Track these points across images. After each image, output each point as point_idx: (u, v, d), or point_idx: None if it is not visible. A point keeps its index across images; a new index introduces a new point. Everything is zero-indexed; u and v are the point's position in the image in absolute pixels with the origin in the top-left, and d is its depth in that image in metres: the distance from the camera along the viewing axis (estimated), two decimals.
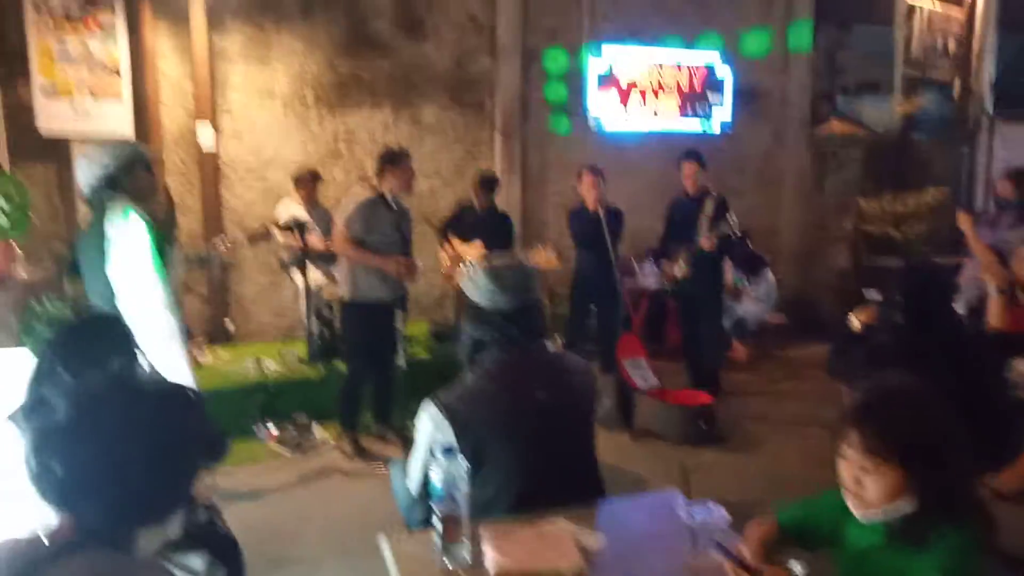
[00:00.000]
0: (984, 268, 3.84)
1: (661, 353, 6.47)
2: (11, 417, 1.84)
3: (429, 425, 1.99)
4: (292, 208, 5.70)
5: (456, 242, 5.51)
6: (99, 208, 2.67)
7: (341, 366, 4.98)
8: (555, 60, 7.06)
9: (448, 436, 1.93)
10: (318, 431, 4.81)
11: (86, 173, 2.67)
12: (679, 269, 5.35)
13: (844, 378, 3.10)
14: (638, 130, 7.34)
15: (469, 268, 2.21)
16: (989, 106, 8.23)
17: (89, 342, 1.95)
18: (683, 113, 7.45)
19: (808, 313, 7.69)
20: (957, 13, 8.60)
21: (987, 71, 8.23)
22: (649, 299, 6.57)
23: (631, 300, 6.41)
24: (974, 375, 2.71)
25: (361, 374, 4.59)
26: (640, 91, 7.27)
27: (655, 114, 7.36)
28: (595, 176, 5.25)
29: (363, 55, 6.43)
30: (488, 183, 5.62)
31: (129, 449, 1.17)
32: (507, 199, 6.99)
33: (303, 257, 5.18)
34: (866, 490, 1.51)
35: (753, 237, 6.69)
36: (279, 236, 5.42)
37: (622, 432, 4.94)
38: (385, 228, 4.39)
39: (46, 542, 1.18)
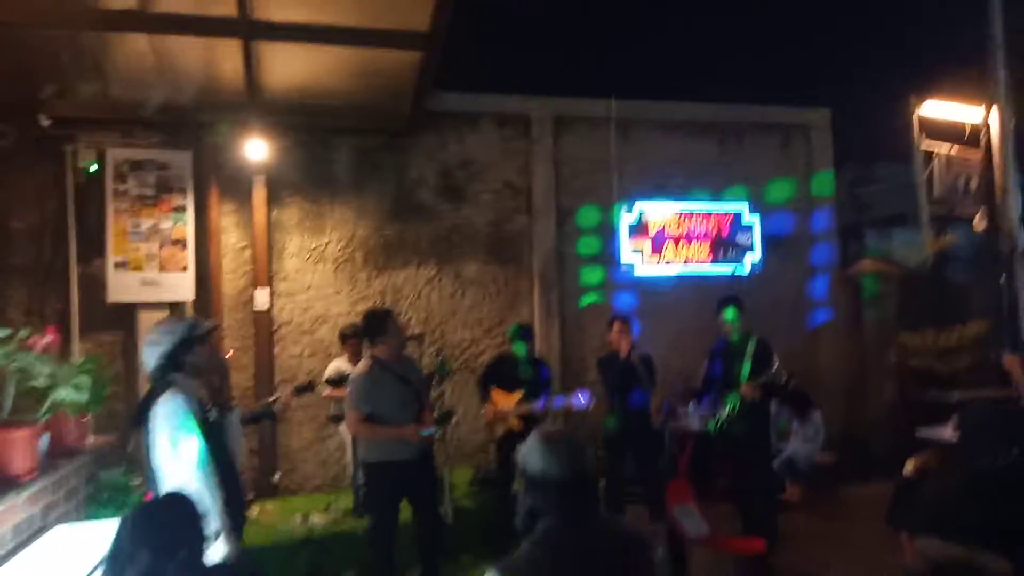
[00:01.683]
0: None
1: (711, 496, 6.31)
2: None
3: None
4: (338, 363, 5.94)
5: (497, 392, 5.57)
6: (162, 387, 2.86)
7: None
8: (587, 217, 7.48)
9: None
10: None
11: (149, 355, 2.89)
12: (724, 410, 5.35)
13: (905, 528, 3.03)
14: (670, 275, 7.59)
15: (527, 441, 2.27)
16: (1020, 240, 8.33)
17: (162, 524, 2.06)
18: (713, 258, 7.71)
19: (858, 451, 7.48)
20: (975, 154, 8.92)
21: (1012, 206, 8.40)
22: (695, 442, 6.49)
23: (676, 444, 6.36)
24: None
25: (384, 533, 4.51)
26: (671, 239, 7.59)
27: (686, 260, 7.62)
28: (624, 324, 5.42)
29: (409, 220, 6.93)
30: (524, 333, 5.74)
31: None
32: (547, 345, 7.19)
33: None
34: None
35: (795, 377, 6.70)
36: (324, 390, 5.60)
37: None
38: (388, 391, 4.34)
39: None
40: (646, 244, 7.54)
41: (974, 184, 8.78)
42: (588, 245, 7.49)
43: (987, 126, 8.62)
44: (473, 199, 7.17)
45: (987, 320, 7.88)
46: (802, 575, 4.90)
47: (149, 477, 2.84)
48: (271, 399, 4.51)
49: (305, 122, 6.49)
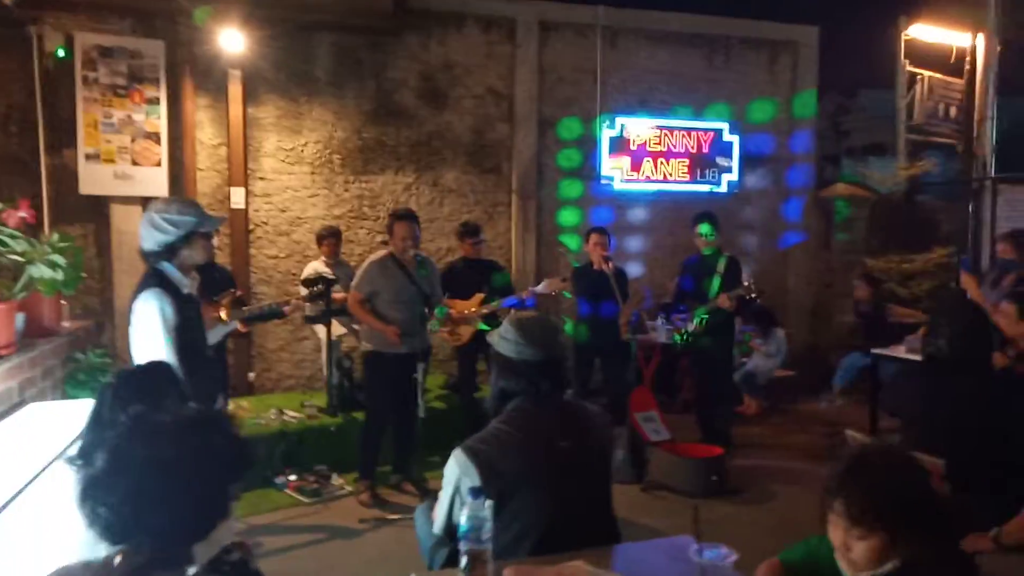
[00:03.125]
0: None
1: (672, 407, 6.61)
2: (69, 460, 2.00)
3: (457, 469, 2.12)
4: (315, 264, 5.97)
5: (453, 301, 5.48)
6: (150, 278, 2.86)
7: (360, 416, 5.15)
8: (569, 128, 7.41)
9: (475, 479, 2.05)
10: (337, 480, 4.94)
11: (148, 237, 2.87)
12: (691, 325, 5.52)
13: (890, 411, 3.21)
14: (650, 191, 7.63)
15: (502, 326, 2.36)
16: (991, 168, 8.47)
17: (141, 387, 2.11)
18: (692, 175, 7.74)
19: (818, 368, 7.79)
20: (957, 80, 8.93)
21: (988, 135, 8.49)
22: (660, 354, 6.72)
23: (643, 354, 6.58)
24: (1000, 417, 2.81)
25: (379, 422, 4.76)
26: (651, 154, 7.59)
27: (665, 176, 7.65)
28: (601, 235, 5.52)
29: (388, 123, 6.81)
30: (472, 231, 5.73)
31: (162, 481, 1.32)
32: (523, 258, 7.27)
33: (326, 311, 5.42)
34: (853, 553, 1.60)
35: (764, 295, 6.90)
36: (303, 291, 5.66)
37: (634, 485, 5.03)
38: (394, 285, 4.61)
39: (115, 564, 1.32)
40: (626, 160, 7.53)
41: (954, 111, 8.83)
42: (568, 157, 7.46)
43: (973, 52, 8.61)
44: (455, 104, 7.05)
45: (952, 247, 8.11)
46: (753, 477, 5.21)
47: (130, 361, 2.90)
48: (283, 300, 4.73)
49: (285, 15, 6.23)
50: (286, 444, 5.02)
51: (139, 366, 2.55)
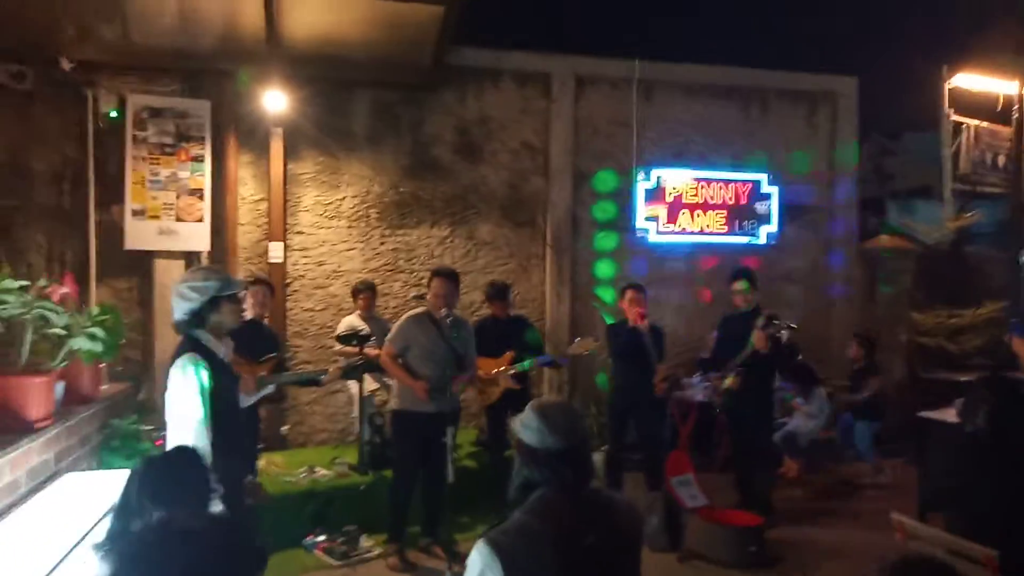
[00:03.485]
0: None
1: (710, 467, 6.43)
2: (95, 547, 2.02)
3: (480, 562, 2.05)
4: (351, 319, 6.02)
5: (482, 360, 5.40)
6: (185, 344, 2.92)
7: (390, 474, 5.11)
8: (604, 181, 7.42)
9: (497, 574, 1.99)
10: (366, 542, 4.89)
11: (177, 307, 2.94)
12: (728, 380, 5.39)
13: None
14: (686, 242, 7.56)
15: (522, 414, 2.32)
16: None
17: (166, 476, 2.13)
18: (730, 226, 7.64)
19: None
20: (1005, 128, 8.71)
21: None
22: (697, 411, 6.56)
23: (679, 413, 6.43)
24: None
25: (406, 482, 4.72)
26: (687, 206, 7.53)
27: (702, 228, 7.57)
28: (636, 292, 5.45)
29: (424, 177, 6.91)
30: (500, 292, 5.74)
31: None
32: (557, 311, 7.23)
33: (359, 365, 5.44)
34: None
35: (801, 348, 6.74)
36: (337, 346, 5.72)
37: (670, 553, 4.87)
38: (427, 341, 4.62)
39: None
40: (662, 211, 7.49)
41: (1001, 160, 8.59)
42: (603, 210, 7.44)
43: (1020, 99, 8.41)
44: (490, 158, 7.13)
45: (1003, 301, 7.82)
46: (794, 547, 5.00)
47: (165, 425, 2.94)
48: (321, 370, 4.83)
49: (325, 73, 6.44)
50: (315, 503, 4.99)
51: (165, 453, 2.57)
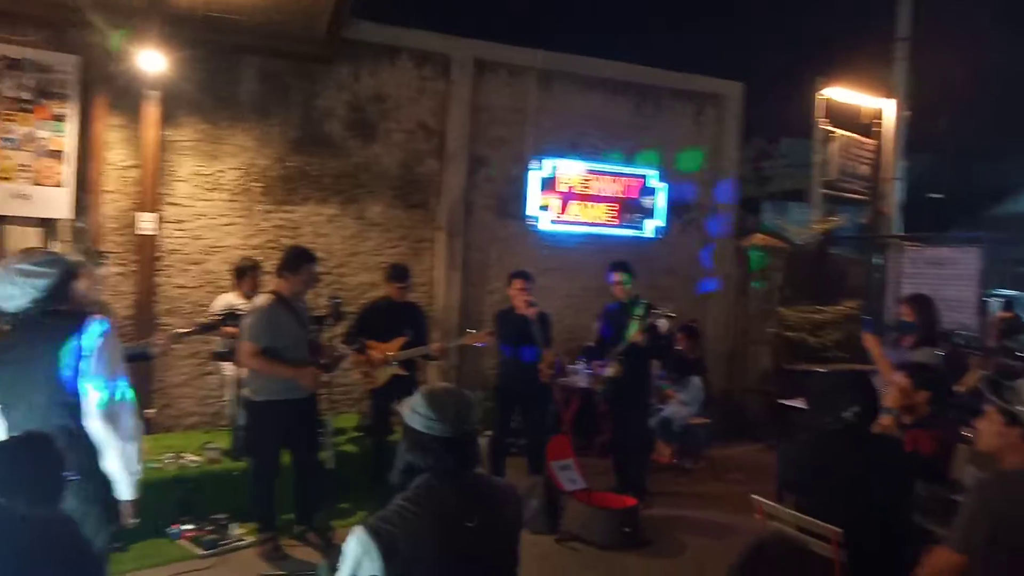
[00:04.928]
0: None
1: (591, 452, 6.62)
2: None
3: (358, 549, 2.01)
4: (229, 298, 5.73)
5: (373, 344, 5.37)
6: (32, 324, 2.66)
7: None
8: (499, 167, 7.43)
9: (376, 561, 1.96)
10: (237, 530, 4.69)
11: (20, 292, 2.65)
12: (610, 369, 5.56)
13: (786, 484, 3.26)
14: (576, 232, 7.71)
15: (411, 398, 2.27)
16: (897, 227, 8.94)
17: (16, 464, 1.98)
18: (620, 219, 7.86)
19: (733, 414, 7.98)
20: (868, 140, 9.42)
21: (894, 195, 8.97)
22: (580, 398, 6.73)
23: (562, 399, 6.57)
24: (886, 480, 2.91)
25: (269, 473, 4.52)
26: (579, 197, 7.67)
27: (593, 220, 7.74)
28: (524, 281, 5.51)
29: (313, 153, 6.66)
30: (401, 274, 5.56)
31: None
32: (448, 296, 7.19)
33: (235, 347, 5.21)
34: None
35: (696, 328, 7.08)
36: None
37: (548, 535, 4.97)
38: (288, 330, 4.38)
39: None
40: (555, 201, 7.59)
41: (865, 169, 9.29)
42: (497, 196, 7.46)
43: (882, 116, 9.12)
44: (384, 137, 6.97)
45: (859, 299, 8.48)
46: (666, 527, 5.23)
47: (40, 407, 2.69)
48: (147, 342, 4.17)
49: (210, 36, 6.04)
50: (182, 491, 4.73)
51: (15, 439, 2.36)
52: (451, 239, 7.19)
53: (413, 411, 2.18)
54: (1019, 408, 2.38)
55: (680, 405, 6.72)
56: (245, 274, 5.78)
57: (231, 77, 6.36)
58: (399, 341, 5.42)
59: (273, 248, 6.53)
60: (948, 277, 7.31)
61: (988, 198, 21.63)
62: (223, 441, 5.35)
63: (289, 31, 6.28)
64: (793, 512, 3.01)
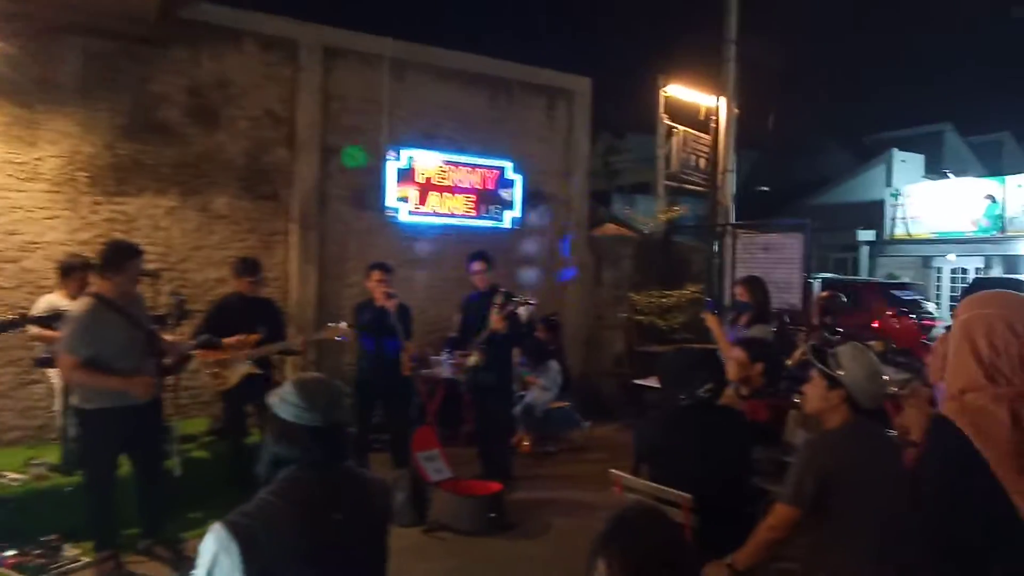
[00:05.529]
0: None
1: (456, 441, 6.64)
2: None
3: (214, 546, 1.88)
4: (52, 299, 5.20)
5: (224, 341, 5.01)
6: None
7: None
8: (354, 157, 7.25)
9: (235, 557, 1.86)
10: (71, 551, 4.27)
11: None
12: (472, 358, 5.59)
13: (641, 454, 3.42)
14: (436, 223, 7.68)
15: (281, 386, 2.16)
16: (732, 216, 9.66)
17: None
18: (478, 210, 7.92)
19: (591, 396, 8.30)
20: (706, 136, 10.09)
21: (730, 186, 9.68)
22: (444, 388, 6.74)
23: (427, 390, 6.55)
24: (730, 447, 3.14)
25: (106, 482, 4.12)
26: (437, 188, 7.65)
27: (451, 211, 7.75)
28: (383, 272, 5.44)
29: (148, 140, 6.19)
30: (251, 267, 5.28)
31: None
32: (304, 291, 6.93)
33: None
34: None
35: (557, 320, 7.27)
36: (34, 329, 4.90)
37: (415, 526, 4.94)
38: (115, 334, 3.95)
39: None
40: (413, 192, 7.52)
41: (702, 163, 9.95)
42: (353, 187, 7.28)
43: (717, 113, 9.80)
44: (228, 125, 6.58)
45: (701, 283, 9.09)
46: (531, 510, 5.35)
47: None
48: None
49: (24, 10, 5.42)
50: (2, 513, 4.24)
51: None
52: (305, 231, 6.94)
53: (282, 400, 2.10)
54: (839, 372, 2.64)
55: (542, 390, 6.90)
56: (71, 272, 5.25)
57: (49, 56, 5.78)
58: (253, 338, 5.15)
59: (105, 243, 5.99)
60: (776, 261, 7.99)
61: (806, 191, 23.92)
62: (52, 455, 4.85)
63: (116, 9, 5.75)
64: (649, 483, 3.18)
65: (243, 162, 6.67)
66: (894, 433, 3.19)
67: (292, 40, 6.89)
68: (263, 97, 6.77)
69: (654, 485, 3.13)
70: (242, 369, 5.11)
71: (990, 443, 1.67)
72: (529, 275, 8.28)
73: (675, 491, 3.01)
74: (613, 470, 3.36)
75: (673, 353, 3.59)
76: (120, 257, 4.02)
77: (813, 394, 2.72)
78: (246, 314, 5.19)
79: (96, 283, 4.07)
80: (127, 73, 6.10)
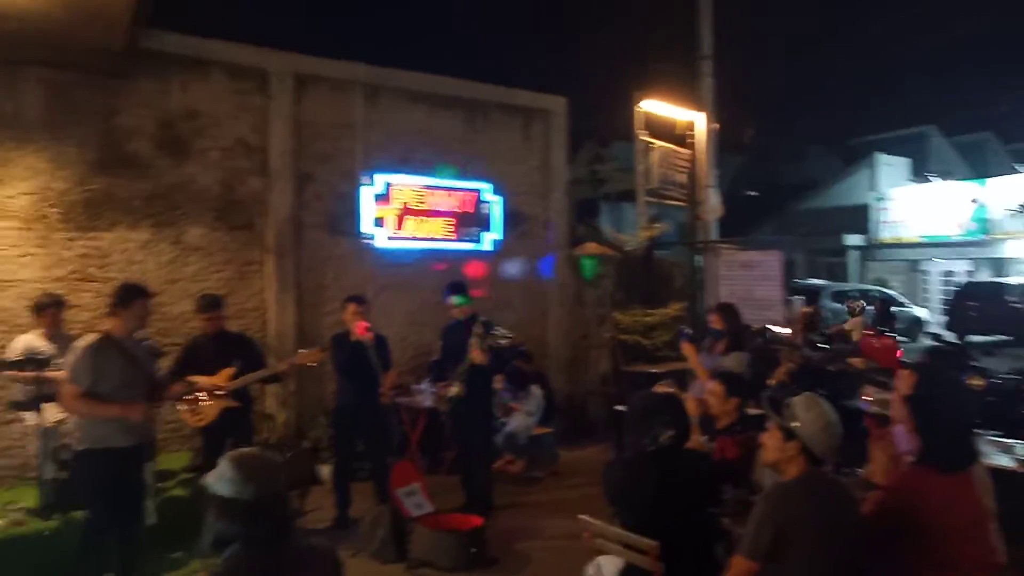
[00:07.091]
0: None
1: (440, 469, 6.59)
2: None
3: None
4: (29, 339, 5.14)
5: (199, 378, 4.99)
6: None
7: (80, 516, 4.43)
8: (329, 185, 7.20)
9: None
10: None
11: None
12: (453, 389, 5.55)
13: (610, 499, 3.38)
14: (414, 248, 7.64)
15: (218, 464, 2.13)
16: (715, 232, 9.66)
17: None
18: (457, 233, 7.88)
19: (577, 418, 8.26)
20: (685, 151, 10.08)
21: (711, 201, 9.68)
22: (427, 417, 6.69)
23: (409, 420, 6.50)
24: (696, 499, 3.10)
25: (103, 531, 4.12)
26: (414, 212, 7.61)
27: (429, 235, 7.71)
28: (358, 305, 5.39)
29: (119, 174, 6.13)
30: (211, 304, 5.22)
31: None
32: (282, 320, 6.87)
33: (40, 394, 4.69)
34: None
35: (527, 352, 7.22)
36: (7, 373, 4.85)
37: (397, 563, 4.88)
38: (116, 369, 4.03)
39: None
40: (390, 217, 7.48)
41: (682, 178, 9.94)
42: (329, 214, 7.23)
43: (694, 128, 9.81)
44: (199, 155, 6.53)
45: (684, 302, 9.07)
46: (514, 540, 5.30)
47: None
48: None
49: None
50: None
51: None
52: (281, 260, 6.88)
53: (219, 477, 2.07)
54: (795, 424, 2.62)
55: (525, 416, 6.85)
56: (44, 310, 5.21)
57: (13, 91, 5.72)
58: (227, 372, 5.09)
59: (80, 279, 5.97)
60: (757, 278, 7.97)
61: (793, 195, 24.03)
62: (29, 499, 4.77)
63: (82, 42, 5.70)
64: (618, 530, 3.15)
65: (216, 192, 6.62)
66: (861, 472, 3.18)
67: (262, 69, 6.86)
68: (234, 126, 6.72)
69: (622, 532, 3.10)
70: (219, 404, 5.06)
71: None
72: (510, 296, 8.24)
73: (642, 538, 2.98)
74: (582, 516, 3.33)
75: (638, 395, 3.56)
76: (127, 295, 4.16)
77: (770, 445, 2.71)
78: (219, 349, 5.14)
79: (107, 321, 4.16)
80: (95, 106, 6.05)
